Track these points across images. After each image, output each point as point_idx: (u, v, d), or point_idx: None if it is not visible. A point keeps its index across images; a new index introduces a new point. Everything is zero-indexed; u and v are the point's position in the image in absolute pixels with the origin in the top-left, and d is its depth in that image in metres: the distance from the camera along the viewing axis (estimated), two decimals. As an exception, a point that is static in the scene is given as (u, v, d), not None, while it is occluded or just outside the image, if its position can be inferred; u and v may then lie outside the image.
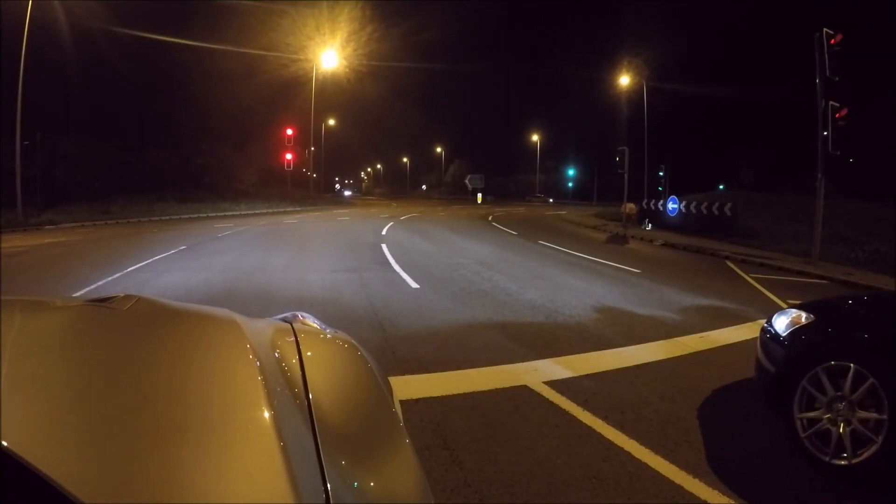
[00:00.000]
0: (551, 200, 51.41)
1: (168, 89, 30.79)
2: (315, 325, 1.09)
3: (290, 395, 0.73)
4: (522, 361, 3.65)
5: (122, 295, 0.97)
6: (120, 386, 0.65)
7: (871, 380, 2.29)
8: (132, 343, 0.81)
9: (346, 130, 61.63)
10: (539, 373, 3.41)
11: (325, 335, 1.04)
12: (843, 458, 2.30)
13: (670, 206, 16.91)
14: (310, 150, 36.53)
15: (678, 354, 4.02)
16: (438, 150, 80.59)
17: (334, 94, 39.90)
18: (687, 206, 16.11)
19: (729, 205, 14.56)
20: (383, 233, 13.45)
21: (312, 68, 30.31)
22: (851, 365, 2.36)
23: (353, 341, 1.00)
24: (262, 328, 0.93)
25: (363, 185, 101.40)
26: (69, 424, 0.55)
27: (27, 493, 0.44)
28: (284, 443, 0.57)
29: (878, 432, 2.22)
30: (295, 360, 0.83)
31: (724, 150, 41.61)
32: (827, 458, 2.35)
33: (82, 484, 0.45)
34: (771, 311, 6.09)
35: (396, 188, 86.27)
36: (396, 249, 9.81)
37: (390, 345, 3.99)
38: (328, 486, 0.58)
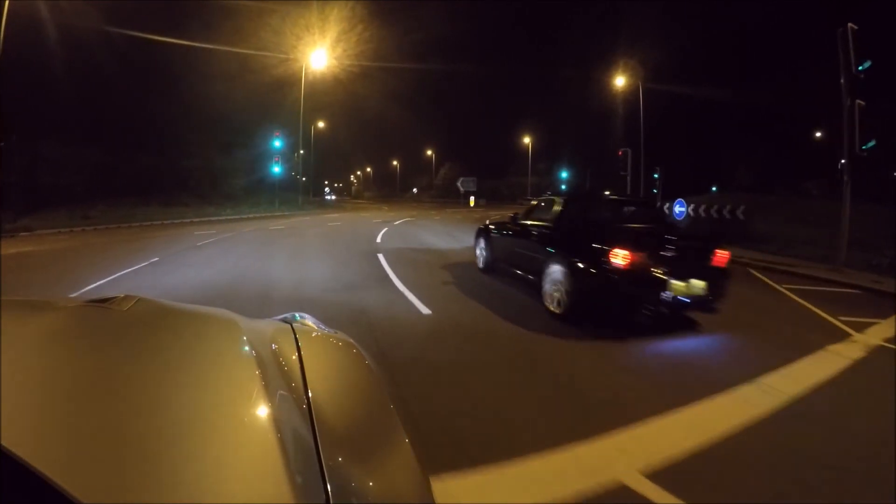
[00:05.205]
0: (544, 203, 50.68)
1: (154, 91, 29.67)
2: (315, 326, 1.11)
3: (290, 394, 0.72)
4: (590, 432, 2.61)
5: (123, 295, 0.97)
6: (120, 386, 0.64)
7: (564, 268, 5.10)
8: (132, 343, 0.81)
9: (336, 133, 60.63)
10: (628, 454, 2.45)
11: (325, 335, 1.05)
12: (562, 304, 5.09)
13: (677, 209, 16.17)
14: (298, 153, 35.46)
15: (777, 407, 3.17)
16: (429, 152, 79.85)
17: (324, 96, 38.97)
18: (695, 210, 15.42)
19: (742, 208, 13.89)
20: (378, 240, 12.51)
21: (302, 71, 29.28)
22: (561, 267, 5.17)
23: (352, 341, 1.01)
24: (261, 328, 0.95)
25: (353, 188, 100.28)
26: (69, 424, 0.54)
27: (27, 493, 0.44)
28: (284, 442, 0.57)
29: (570, 297, 4.98)
30: (294, 360, 0.83)
31: (717, 151, 41.34)
32: (553, 308, 5.23)
33: (82, 484, 0.44)
34: (828, 329, 5.35)
35: (386, 191, 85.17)
36: (396, 260, 8.89)
37: (410, 413, 2.85)
38: (328, 485, 0.57)
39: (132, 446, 0.53)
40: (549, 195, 6.82)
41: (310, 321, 1.14)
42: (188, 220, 19.96)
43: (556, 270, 5.24)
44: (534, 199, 7.41)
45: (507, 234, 6.85)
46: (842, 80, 10.49)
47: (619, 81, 29.38)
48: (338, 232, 15.19)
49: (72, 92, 24.34)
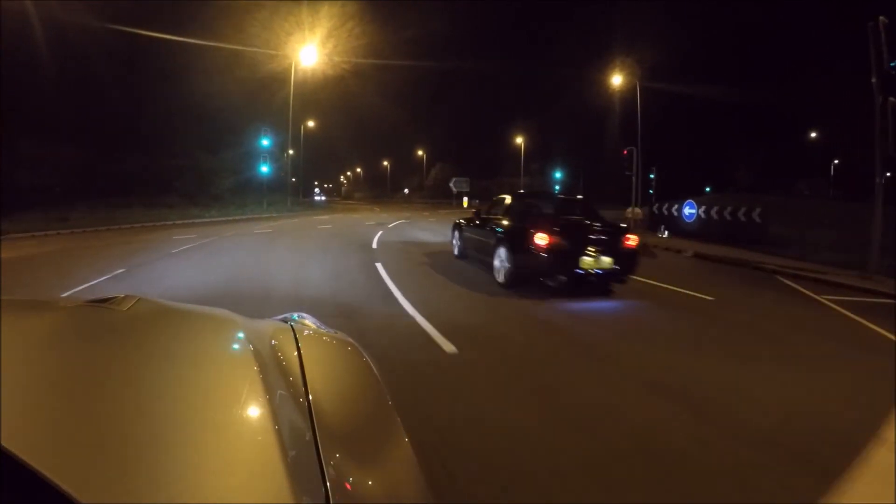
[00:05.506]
0: (537, 204, 49.93)
1: (139, 87, 28.54)
2: (315, 326, 1.14)
3: (290, 394, 0.72)
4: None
5: (123, 295, 0.96)
6: (120, 386, 0.64)
7: (505, 249, 6.71)
8: (132, 343, 0.80)
9: (327, 133, 59.42)
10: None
11: (325, 335, 1.08)
12: (504, 277, 6.68)
13: (687, 210, 15.48)
14: (287, 153, 34.32)
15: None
16: (420, 152, 78.82)
17: (314, 95, 37.85)
18: (707, 212, 14.70)
19: (758, 210, 13.15)
20: (374, 246, 11.56)
21: (291, 69, 28.17)
22: (503, 249, 6.74)
23: (352, 341, 1.03)
24: (262, 328, 0.94)
25: (343, 188, 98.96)
26: (69, 424, 0.54)
27: (27, 494, 0.44)
28: (284, 442, 0.57)
29: (509, 270, 6.59)
30: (294, 360, 0.83)
31: (715, 151, 40.94)
32: (501, 279, 6.75)
33: (81, 484, 0.44)
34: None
35: (377, 192, 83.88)
36: (398, 272, 7.89)
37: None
38: (328, 485, 0.57)
39: (132, 446, 0.52)
40: (520, 194, 8.64)
41: (309, 321, 1.15)
42: (170, 223, 18.88)
43: (501, 251, 6.91)
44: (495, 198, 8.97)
45: (472, 226, 8.64)
46: (873, 79, 9.76)
47: (616, 80, 28.70)
48: (329, 236, 14.20)
49: (52, 88, 23.37)
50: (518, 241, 6.50)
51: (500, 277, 6.86)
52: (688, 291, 6.88)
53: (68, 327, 0.81)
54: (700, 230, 14.70)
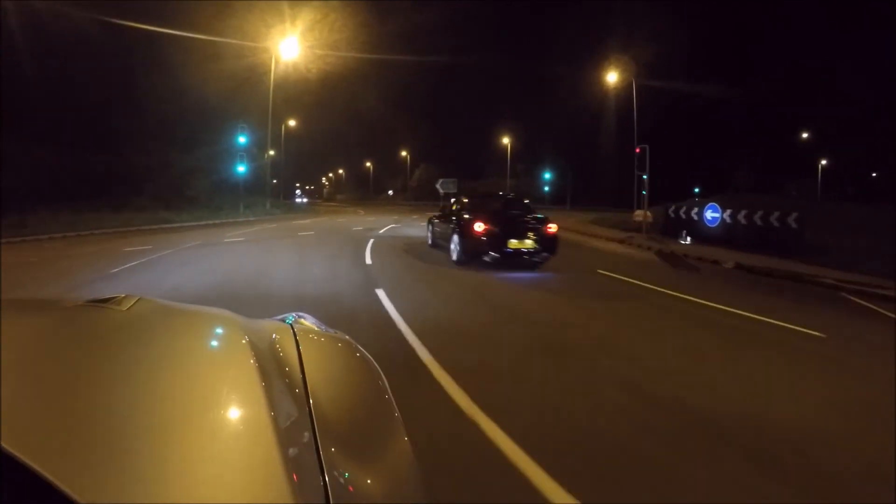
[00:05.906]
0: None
1: (109, 83, 26.30)
2: (315, 326, 1.10)
3: (290, 393, 0.72)
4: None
5: (123, 295, 0.94)
6: (120, 386, 0.64)
7: (457, 235, 9.06)
8: (132, 343, 0.79)
9: (309, 133, 57.28)
10: None
11: (325, 335, 1.05)
12: (456, 256, 9.09)
13: (709, 214, 14.14)
14: (268, 153, 32.31)
15: None
16: (404, 153, 76.99)
17: (294, 92, 35.92)
18: (733, 216, 13.36)
19: (795, 215, 11.82)
20: (368, 260, 9.60)
21: (271, 68, 26.28)
22: (456, 236, 9.14)
23: (352, 340, 1.01)
24: (262, 328, 0.93)
25: (325, 190, 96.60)
26: (69, 424, 0.53)
27: (27, 493, 0.44)
28: (284, 442, 0.56)
29: (458, 251, 9.03)
30: (294, 360, 0.83)
31: (709, 152, 40.15)
32: (454, 258, 9.14)
33: (81, 484, 0.44)
34: None
35: (360, 193, 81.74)
36: (408, 303, 5.67)
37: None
38: (328, 485, 0.57)
39: (131, 446, 0.51)
40: (474, 195, 11.79)
41: (309, 321, 1.12)
42: (134, 229, 16.86)
43: (455, 237, 9.17)
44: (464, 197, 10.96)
45: (440, 220, 10.89)
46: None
47: (612, 79, 27.50)
48: (312, 245, 12.40)
49: (17, 83, 21.00)
50: (464, 229, 8.78)
51: (454, 257, 9.13)
52: (781, 323, 5.34)
53: (68, 327, 0.79)
54: (725, 236, 13.38)
